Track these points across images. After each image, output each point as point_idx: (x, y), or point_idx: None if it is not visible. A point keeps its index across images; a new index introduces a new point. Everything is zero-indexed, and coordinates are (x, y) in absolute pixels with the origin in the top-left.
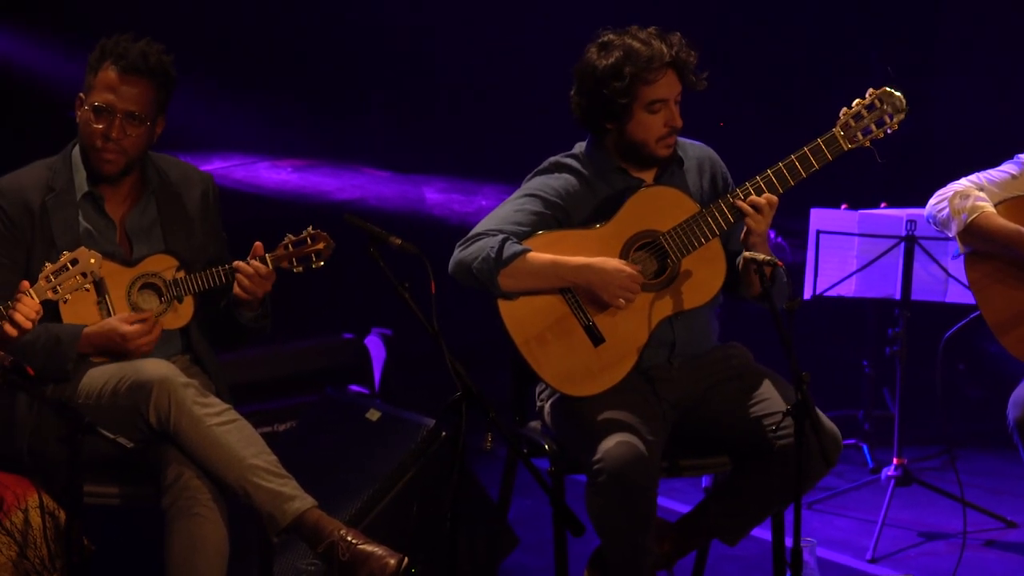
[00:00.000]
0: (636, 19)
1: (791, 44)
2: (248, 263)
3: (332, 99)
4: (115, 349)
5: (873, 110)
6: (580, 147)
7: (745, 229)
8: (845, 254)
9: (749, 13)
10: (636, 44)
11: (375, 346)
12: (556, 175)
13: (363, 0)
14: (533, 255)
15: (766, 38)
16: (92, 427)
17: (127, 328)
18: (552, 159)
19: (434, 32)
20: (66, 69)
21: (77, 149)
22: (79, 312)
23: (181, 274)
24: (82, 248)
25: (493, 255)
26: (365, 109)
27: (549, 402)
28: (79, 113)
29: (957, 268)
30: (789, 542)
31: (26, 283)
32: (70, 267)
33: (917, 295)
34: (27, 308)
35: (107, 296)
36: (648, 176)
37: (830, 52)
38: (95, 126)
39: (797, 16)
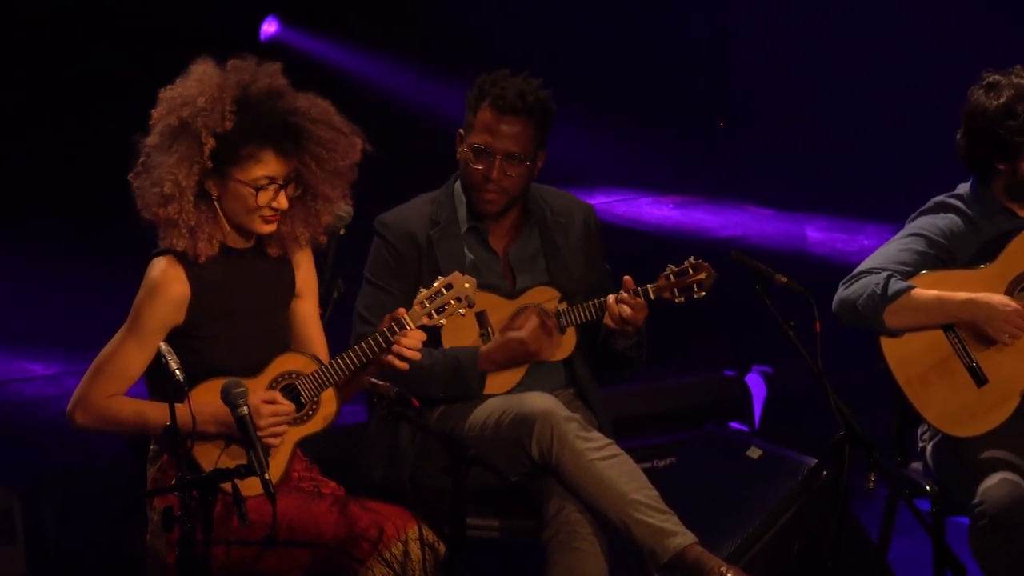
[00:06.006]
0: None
1: None
2: (619, 297)
3: (714, 137)
4: (519, 357)
5: None
6: (964, 188)
7: None
8: None
9: None
10: None
11: (756, 383)
12: (941, 215)
13: (748, 39)
14: (918, 291)
15: None
16: (477, 459)
17: (522, 334)
18: (937, 199)
19: (818, 73)
20: (449, 104)
21: (459, 183)
22: (461, 340)
23: (563, 305)
24: (455, 272)
25: (879, 292)
26: (748, 147)
27: (931, 443)
28: (460, 150)
29: None
30: None
31: (403, 310)
32: (444, 292)
33: None
34: (412, 341)
35: (489, 328)
36: None
37: None
38: (475, 167)
39: None
